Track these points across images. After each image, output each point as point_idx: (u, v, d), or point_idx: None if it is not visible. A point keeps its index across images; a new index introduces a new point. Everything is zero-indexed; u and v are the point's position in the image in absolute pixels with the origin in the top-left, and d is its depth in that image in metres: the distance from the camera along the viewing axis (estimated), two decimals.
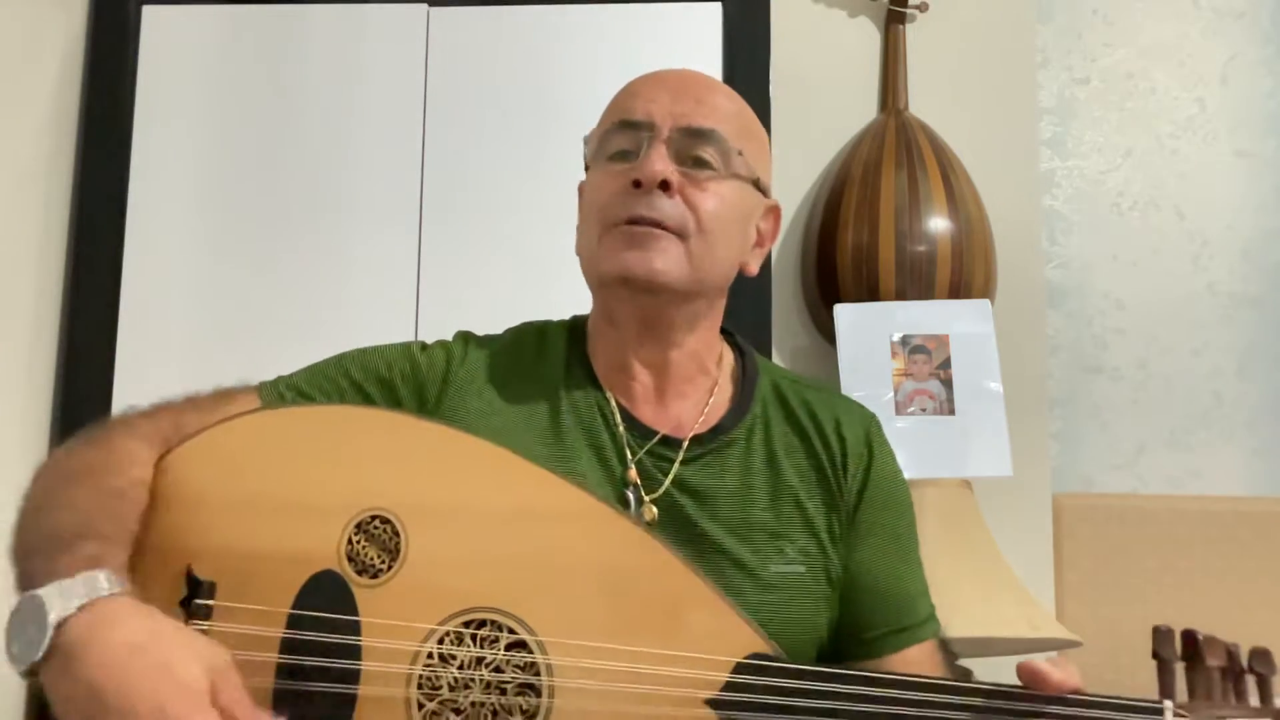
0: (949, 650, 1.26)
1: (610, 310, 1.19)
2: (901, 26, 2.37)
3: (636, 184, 1.12)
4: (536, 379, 1.20)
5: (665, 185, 1.12)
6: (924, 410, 2.04)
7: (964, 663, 1.96)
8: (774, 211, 1.24)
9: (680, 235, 1.13)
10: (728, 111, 1.19)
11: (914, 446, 2.01)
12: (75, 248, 2.30)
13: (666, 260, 1.12)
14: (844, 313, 2.11)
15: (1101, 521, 2.26)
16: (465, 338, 1.24)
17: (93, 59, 2.34)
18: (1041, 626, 1.87)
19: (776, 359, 2.25)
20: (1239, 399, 2.46)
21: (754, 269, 1.23)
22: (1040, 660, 0.97)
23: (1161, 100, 2.55)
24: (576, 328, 1.25)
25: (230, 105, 2.31)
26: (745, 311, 2.20)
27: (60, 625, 0.86)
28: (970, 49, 2.38)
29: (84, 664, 0.84)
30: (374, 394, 1.16)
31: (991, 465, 2.02)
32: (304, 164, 2.29)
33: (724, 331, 1.27)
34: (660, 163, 1.12)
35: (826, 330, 2.22)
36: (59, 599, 0.87)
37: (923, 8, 2.37)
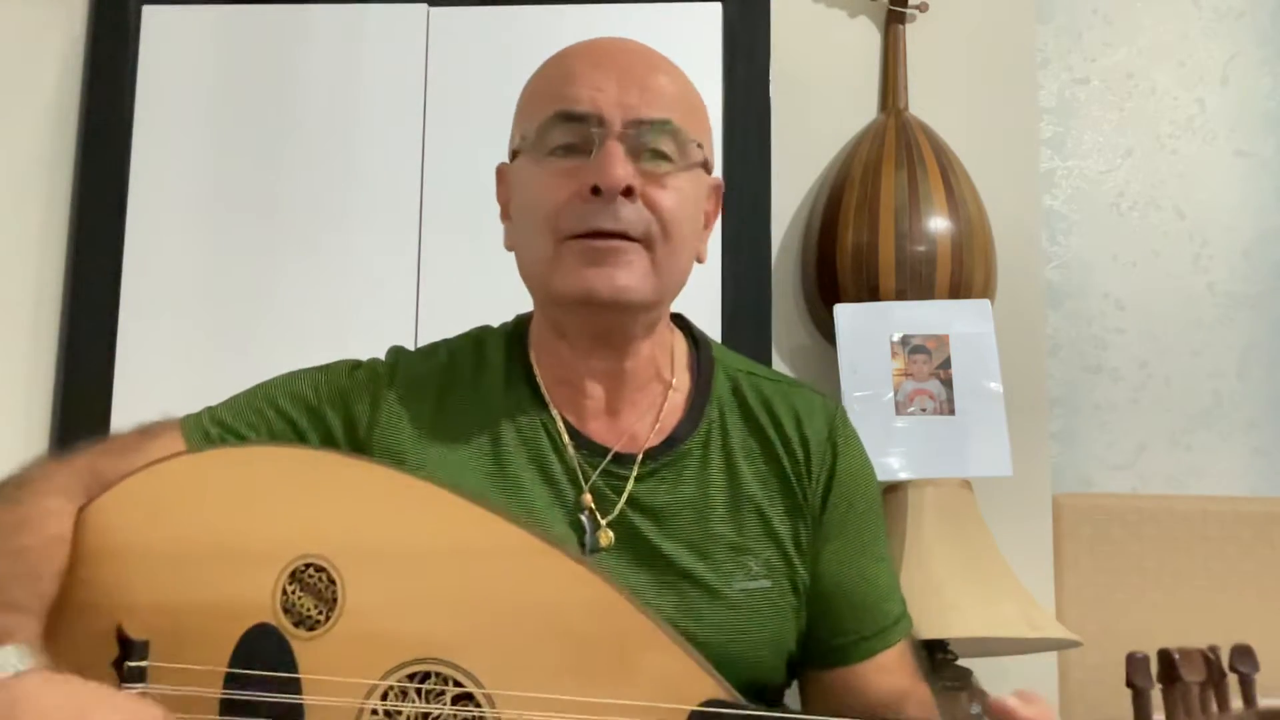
0: (921, 650, 1.20)
1: (560, 325, 1.10)
2: (901, 26, 2.36)
3: (595, 191, 1.02)
4: (475, 400, 1.11)
5: (628, 191, 1.03)
6: (924, 410, 2.04)
7: (964, 663, 1.96)
8: (717, 189, 1.16)
9: (645, 244, 1.04)
10: (674, 94, 1.09)
11: (914, 446, 2.01)
12: (75, 248, 2.29)
13: (632, 275, 1.04)
14: (844, 313, 2.11)
15: (1101, 521, 2.26)
16: (396, 354, 1.16)
17: (93, 59, 2.34)
18: (1041, 626, 1.87)
19: (776, 359, 2.25)
20: (1239, 399, 2.46)
21: (704, 255, 1.14)
22: (1010, 698, 0.91)
23: (1161, 100, 2.54)
24: (517, 333, 1.17)
25: (230, 105, 2.31)
26: (745, 311, 2.20)
27: None
28: (970, 49, 2.38)
29: None
30: (302, 424, 1.09)
31: (991, 465, 2.01)
32: (304, 164, 2.29)
33: (676, 319, 1.19)
34: (621, 167, 1.02)
35: (826, 330, 2.22)
36: None
37: (923, 8, 2.37)
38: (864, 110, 2.36)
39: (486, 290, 2.21)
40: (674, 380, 1.14)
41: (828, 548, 1.12)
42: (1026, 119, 2.38)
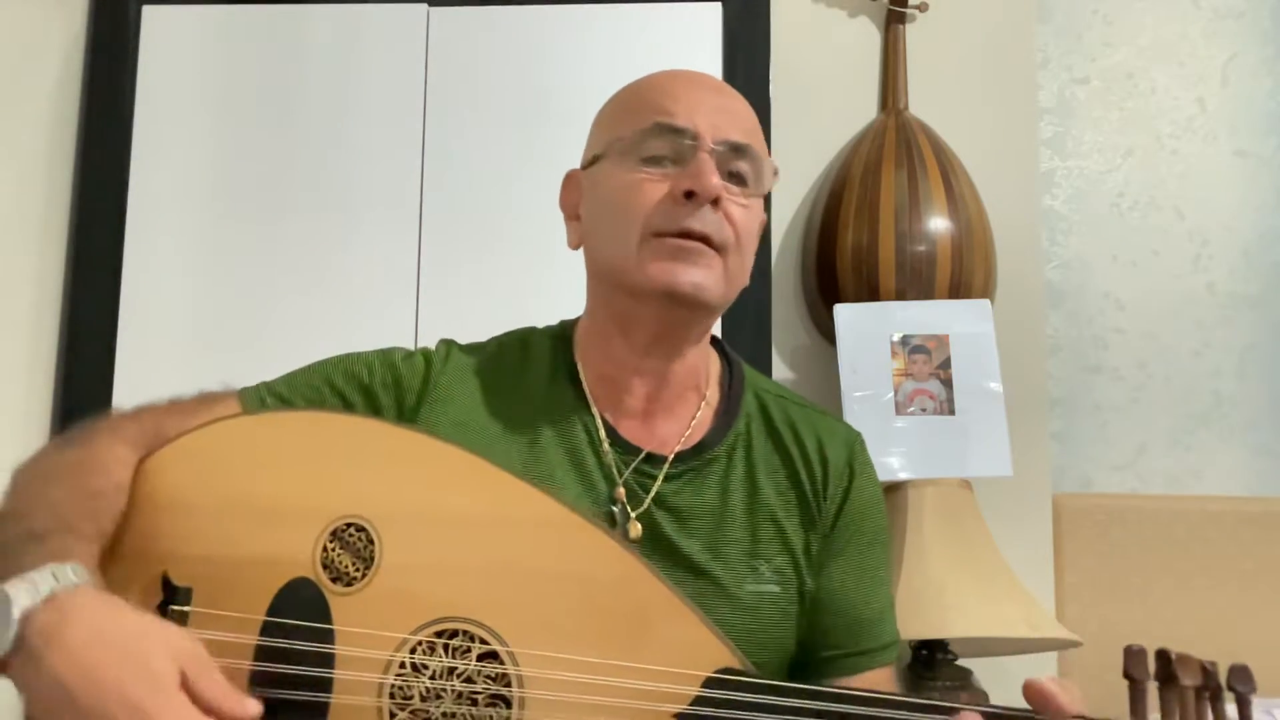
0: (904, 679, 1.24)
1: (625, 317, 1.15)
2: (901, 26, 2.36)
3: (688, 195, 1.09)
4: (518, 391, 1.18)
5: (716, 201, 1.10)
6: (924, 410, 2.04)
7: (964, 663, 1.96)
8: (762, 224, 1.24)
9: (720, 252, 1.11)
10: (752, 125, 1.18)
11: (914, 446, 2.01)
12: (75, 246, 2.30)
13: (710, 277, 1.11)
14: (844, 313, 2.11)
15: (1101, 521, 2.26)
16: (448, 345, 1.22)
17: (93, 59, 2.34)
18: (1041, 626, 1.87)
19: (776, 359, 2.25)
20: (1239, 399, 2.46)
21: (748, 279, 1.23)
22: (1047, 680, 0.95)
23: (1161, 100, 2.54)
24: (563, 335, 1.23)
25: (230, 105, 2.31)
26: (745, 311, 2.20)
27: (26, 618, 0.85)
28: (970, 49, 2.38)
29: (51, 658, 0.83)
30: (356, 401, 1.15)
31: (991, 465, 2.01)
32: (304, 164, 2.29)
33: (712, 340, 1.26)
34: (715, 177, 1.10)
35: (826, 330, 2.22)
36: (25, 591, 0.86)
37: (923, 8, 2.37)
38: (864, 110, 2.36)
39: (486, 290, 2.22)
40: (707, 394, 1.21)
41: (834, 562, 1.18)
42: (1026, 119, 2.38)
